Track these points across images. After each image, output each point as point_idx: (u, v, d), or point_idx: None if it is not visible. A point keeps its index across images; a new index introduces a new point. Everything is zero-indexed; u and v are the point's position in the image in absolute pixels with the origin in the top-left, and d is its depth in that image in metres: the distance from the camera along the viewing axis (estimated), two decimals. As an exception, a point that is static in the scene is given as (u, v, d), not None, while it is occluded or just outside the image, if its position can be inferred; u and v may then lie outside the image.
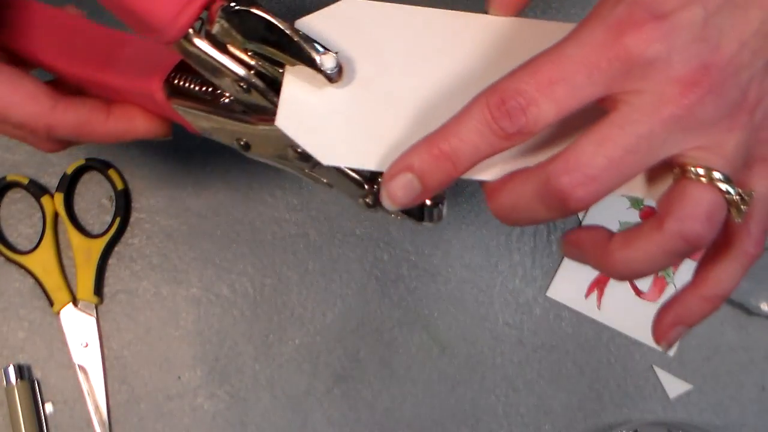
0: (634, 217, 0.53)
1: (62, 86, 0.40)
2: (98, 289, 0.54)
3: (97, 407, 0.52)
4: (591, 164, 0.27)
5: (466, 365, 0.53)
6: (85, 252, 0.53)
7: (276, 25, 0.31)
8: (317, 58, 0.31)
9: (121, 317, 0.54)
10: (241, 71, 0.33)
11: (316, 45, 0.31)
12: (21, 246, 0.55)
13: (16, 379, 0.52)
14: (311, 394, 0.53)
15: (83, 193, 0.55)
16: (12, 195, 0.55)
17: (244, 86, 0.33)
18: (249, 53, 0.33)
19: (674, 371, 0.53)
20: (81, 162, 0.54)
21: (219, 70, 0.33)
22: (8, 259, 0.54)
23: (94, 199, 0.55)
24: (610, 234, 0.30)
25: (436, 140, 0.29)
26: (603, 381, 0.53)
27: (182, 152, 0.55)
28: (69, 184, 0.54)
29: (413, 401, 0.53)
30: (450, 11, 0.34)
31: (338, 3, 0.34)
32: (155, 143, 0.54)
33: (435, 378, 0.53)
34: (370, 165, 0.33)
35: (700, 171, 0.28)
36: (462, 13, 0.34)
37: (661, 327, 0.33)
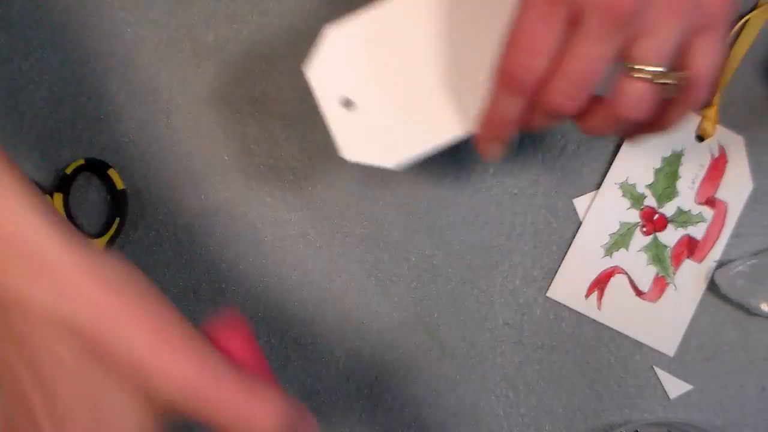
0: (634, 217, 0.53)
1: None
2: (98, 289, 0.53)
3: (96, 407, 0.52)
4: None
5: (466, 365, 0.53)
6: (84, 252, 0.53)
7: None
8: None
9: (121, 317, 0.54)
10: None
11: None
12: (20, 246, 0.54)
13: (16, 380, 0.52)
14: (311, 394, 0.53)
15: (83, 193, 0.55)
16: (11, 195, 0.55)
17: None
18: None
19: (674, 371, 0.53)
20: (81, 162, 0.54)
21: None
22: (8, 259, 0.53)
23: (94, 199, 0.55)
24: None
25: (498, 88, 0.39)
26: (603, 381, 0.53)
27: (182, 152, 0.55)
28: (68, 184, 0.54)
29: (413, 401, 0.53)
30: None
31: (323, 42, 0.42)
32: (155, 144, 0.54)
33: (435, 378, 0.53)
34: (426, 147, 0.43)
35: (636, 66, 0.35)
36: None
37: None
